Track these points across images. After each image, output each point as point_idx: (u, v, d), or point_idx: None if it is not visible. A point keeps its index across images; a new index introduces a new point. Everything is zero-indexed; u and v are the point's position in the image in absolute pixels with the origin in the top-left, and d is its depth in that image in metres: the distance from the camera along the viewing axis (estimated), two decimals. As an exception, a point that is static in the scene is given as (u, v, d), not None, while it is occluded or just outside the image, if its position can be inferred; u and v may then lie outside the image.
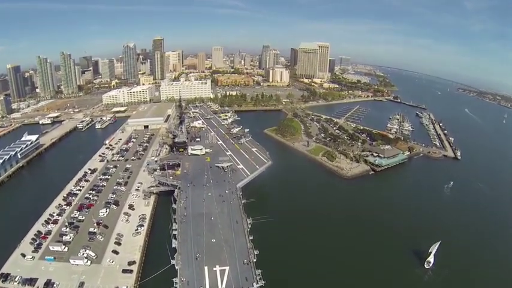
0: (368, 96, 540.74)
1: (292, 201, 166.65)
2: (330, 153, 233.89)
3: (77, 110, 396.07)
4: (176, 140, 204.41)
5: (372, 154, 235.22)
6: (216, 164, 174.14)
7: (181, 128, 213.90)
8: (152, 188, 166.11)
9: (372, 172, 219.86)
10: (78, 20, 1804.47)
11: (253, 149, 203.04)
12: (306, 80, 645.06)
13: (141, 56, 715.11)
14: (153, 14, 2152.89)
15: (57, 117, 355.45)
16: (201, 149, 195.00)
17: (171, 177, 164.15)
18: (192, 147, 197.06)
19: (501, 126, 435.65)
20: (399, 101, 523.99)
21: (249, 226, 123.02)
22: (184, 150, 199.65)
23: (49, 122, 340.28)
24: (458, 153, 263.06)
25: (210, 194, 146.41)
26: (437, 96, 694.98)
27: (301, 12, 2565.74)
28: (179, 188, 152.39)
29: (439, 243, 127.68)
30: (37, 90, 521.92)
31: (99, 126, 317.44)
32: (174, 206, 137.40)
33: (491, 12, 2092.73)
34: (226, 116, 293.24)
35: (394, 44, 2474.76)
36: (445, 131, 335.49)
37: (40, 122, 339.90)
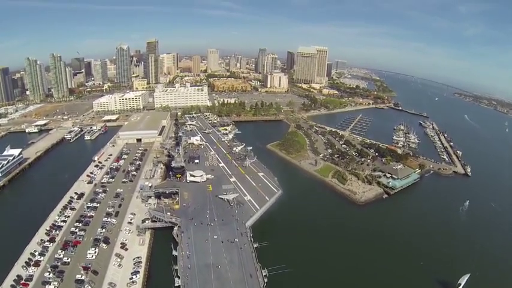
0: (369, 103, 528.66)
1: (310, 242, 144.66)
2: (340, 174, 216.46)
3: (66, 117, 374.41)
4: (173, 164, 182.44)
5: (385, 175, 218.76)
6: (220, 196, 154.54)
7: (178, 150, 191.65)
8: (147, 224, 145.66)
9: (386, 195, 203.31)
10: (70, 20, 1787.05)
11: (260, 174, 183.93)
12: (304, 86, 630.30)
13: (134, 59, 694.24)
14: (147, 14, 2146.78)
15: (44, 125, 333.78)
16: (201, 176, 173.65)
17: (169, 213, 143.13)
18: (191, 172, 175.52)
19: (505, 136, 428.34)
20: (400, 108, 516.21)
21: (265, 280, 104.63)
22: (182, 175, 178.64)
23: (36, 130, 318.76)
24: (469, 170, 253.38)
25: (215, 236, 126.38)
26: (436, 102, 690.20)
27: (294, 14, 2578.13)
28: (179, 226, 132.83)
29: (468, 275, 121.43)
30: (27, 92, 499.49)
31: (89, 138, 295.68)
32: (174, 252, 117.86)
33: (484, 17, 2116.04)
34: (226, 129, 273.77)
35: (388, 47, 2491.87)
36: (451, 143, 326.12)
37: (27, 131, 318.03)
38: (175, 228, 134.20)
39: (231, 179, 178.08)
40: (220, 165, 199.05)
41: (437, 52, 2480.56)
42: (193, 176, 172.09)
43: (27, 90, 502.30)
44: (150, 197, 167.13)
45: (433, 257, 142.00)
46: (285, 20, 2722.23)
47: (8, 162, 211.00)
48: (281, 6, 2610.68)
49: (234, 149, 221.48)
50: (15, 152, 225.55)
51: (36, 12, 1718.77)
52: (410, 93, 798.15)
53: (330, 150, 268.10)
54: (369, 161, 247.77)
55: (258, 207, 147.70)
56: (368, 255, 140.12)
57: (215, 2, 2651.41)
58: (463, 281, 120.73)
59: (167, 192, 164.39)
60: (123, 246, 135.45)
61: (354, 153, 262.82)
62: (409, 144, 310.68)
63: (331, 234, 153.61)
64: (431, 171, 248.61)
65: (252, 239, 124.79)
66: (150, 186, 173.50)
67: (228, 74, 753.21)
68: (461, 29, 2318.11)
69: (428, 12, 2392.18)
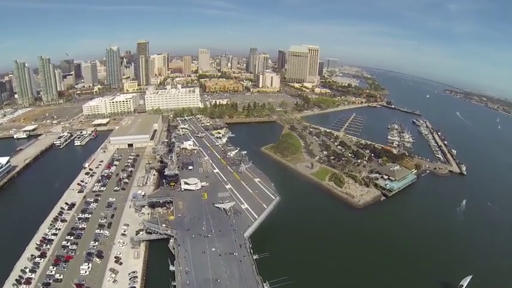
0: (362, 102, 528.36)
1: (311, 250, 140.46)
2: (337, 176, 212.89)
3: (55, 121, 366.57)
4: (166, 172, 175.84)
5: (382, 177, 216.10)
6: (216, 205, 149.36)
7: (171, 156, 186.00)
8: (142, 236, 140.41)
9: (384, 198, 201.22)
10: (59, 20, 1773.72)
11: (256, 180, 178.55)
12: (296, 85, 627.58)
13: (125, 60, 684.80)
14: (139, 14, 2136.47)
15: (33, 130, 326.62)
16: (195, 183, 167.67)
17: (164, 225, 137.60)
18: (185, 180, 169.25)
19: (497, 133, 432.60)
20: (393, 106, 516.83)
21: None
22: (176, 183, 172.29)
23: (24, 136, 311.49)
24: (464, 168, 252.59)
25: (213, 249, 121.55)
26: (427, 100, 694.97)
27: (288, 13, 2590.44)
28: (175, 239, 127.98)
29: (470, 277, 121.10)
30: (15, 96, 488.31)
31: (79, 143, 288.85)
32: (172, 268, 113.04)
33: (474, 15, 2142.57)
34: (219, 133, 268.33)
35: (379, 45, 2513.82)
36: (445, 142, 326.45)
37: (15, 137, 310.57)
38: (171, 240, 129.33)
39: (227, 186, 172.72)
40: (215, 171, 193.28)
41: (429, 50, 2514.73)
42: (188, 184, 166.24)
43: (15, 93, 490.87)
44: (143, 206, 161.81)
45: (434, 258, 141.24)
46: (279, 19, 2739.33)
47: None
48: (276, 6, 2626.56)
49: (229, 153, 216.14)
50: (3, 160, 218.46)
51: (24, 13, 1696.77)
52: (402, 90, 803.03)
53: (325, 152, 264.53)
54: (365, 162, 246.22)
55: (256, 216, 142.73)
56: (370, 260, 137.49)
57: (208, 1, 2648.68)
58: (465, 282, 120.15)
59: (161, 201, 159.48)
60: (118, 260, 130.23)
61: (349, 155, 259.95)
62: (404, 144, 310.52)
63: (332, 240, 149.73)
64: (428, 171, 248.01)
65: (251, 251, 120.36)
66: (143, 195, 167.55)
67: (219, 74, 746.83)
68: (452, 27, 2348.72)
69: (420, 11, 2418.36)
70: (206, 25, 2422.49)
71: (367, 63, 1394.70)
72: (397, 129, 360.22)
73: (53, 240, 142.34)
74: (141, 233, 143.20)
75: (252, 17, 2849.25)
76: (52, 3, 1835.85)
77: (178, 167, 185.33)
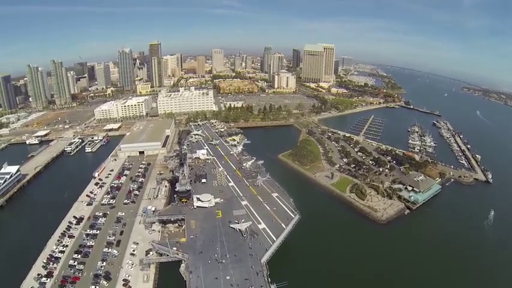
0: (380, 103, 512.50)
1: (334, 276, 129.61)
2: (358, 188, 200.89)
3: (67, 126, 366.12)
4: (178, 188, 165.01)
5: (406, 188, 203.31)
6: (232, 225, 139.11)
7: (183, 170, 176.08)
8: (151, 257, 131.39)
9: (408, 211, 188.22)
10: (73, 23, 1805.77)
11: (274, 195, 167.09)
12: (312, 85, 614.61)
13: (138, 61, 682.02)
14: (149, 15, 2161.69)
15: (45, 135, 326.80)
16: (209, 200, 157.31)
17: (175, 248, 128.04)
18: (198, 196, 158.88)
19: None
20: (411, 107, 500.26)
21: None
22: (188, 199, 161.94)
23: (36, 142, 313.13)
24: (490, 176, 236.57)
25: (228, 277, 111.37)
26: (446, 98, 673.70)
27: (294, 12, 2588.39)
28: (187, 263, 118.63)
29: None
30: (30, 99, 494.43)
31: (90, 150, 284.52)
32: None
33: (488, 8, 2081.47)
34: (234, 140, 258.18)
35: (392, 41, 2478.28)
36: (468, 146, 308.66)
37: (27, 142, 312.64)
38: (183, 265, 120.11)
39: (243, 202, 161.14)
40: (230, 184, 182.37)
41: (443, 46, 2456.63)
42: (201, 201, 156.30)
43: (30, 96, 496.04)
44: (153, 222, 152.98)
45: (465, 279, 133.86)
46: (286, 18, 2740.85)
47: (5, 181, 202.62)
48: (282, 4, 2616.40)
49: (244, 164, 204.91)
50: (13, 169, 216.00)
51: (34, 17, 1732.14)
52: (419, 89, 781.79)
53: (345, 160, 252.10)
54: (386, 170, 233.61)
55: (274, 238, 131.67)
56: (400, 283, 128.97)
57: (216, 0, 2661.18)
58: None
59: (172, 219, 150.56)
60: (126, 283, 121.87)
61: (370, 162, 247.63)
62: (425, 149, 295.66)
63: (356, 263, 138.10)
64: (452, 180, 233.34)
65: (269, 279, 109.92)
66: (153, 211, 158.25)
67: (234, 74, 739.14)
68: (464, 21, 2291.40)
69: (431, 5, 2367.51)
70: (215, 25, 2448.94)
71: (381, 60, 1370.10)
72: (417, 132, 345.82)
73: (60, 258, 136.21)
74: (151, 253, 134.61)
75: (259, 16, 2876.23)
76: (62, 6, 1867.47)
77: (191, 180, 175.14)
